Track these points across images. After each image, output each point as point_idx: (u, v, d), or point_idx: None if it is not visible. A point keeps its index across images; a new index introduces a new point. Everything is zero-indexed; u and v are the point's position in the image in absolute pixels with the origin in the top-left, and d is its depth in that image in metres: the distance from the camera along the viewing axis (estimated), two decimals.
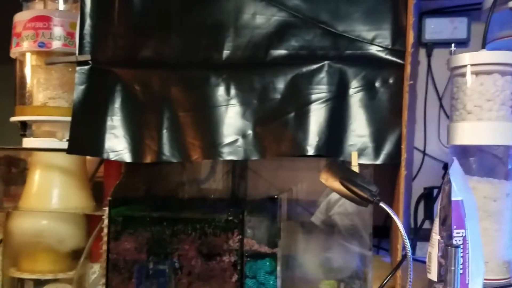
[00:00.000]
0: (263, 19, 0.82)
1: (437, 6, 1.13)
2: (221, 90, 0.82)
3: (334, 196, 0.84)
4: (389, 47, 0.78)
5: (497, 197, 0.73)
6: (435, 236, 0.64)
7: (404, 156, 0.74)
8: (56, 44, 0.91)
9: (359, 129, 0.77)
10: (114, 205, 0.81)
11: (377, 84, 0.78)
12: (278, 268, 0.80)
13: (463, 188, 0.62)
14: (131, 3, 0.86)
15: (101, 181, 0.98)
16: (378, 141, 0.77)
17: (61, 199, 0.92)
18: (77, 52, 0.86)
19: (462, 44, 1.11)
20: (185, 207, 0.93)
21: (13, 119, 0.94)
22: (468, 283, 0.60)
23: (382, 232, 1.01)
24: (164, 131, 0.82)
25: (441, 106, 1.12)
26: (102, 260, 0.82)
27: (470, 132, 0.73)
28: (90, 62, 0.86)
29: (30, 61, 0.94)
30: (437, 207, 0.65)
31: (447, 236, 0.61)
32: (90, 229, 0.93)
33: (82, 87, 0.85)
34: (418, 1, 0.91)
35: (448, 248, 0.58)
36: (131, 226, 0.82)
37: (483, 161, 0.75)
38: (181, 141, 0.82)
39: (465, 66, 0.74)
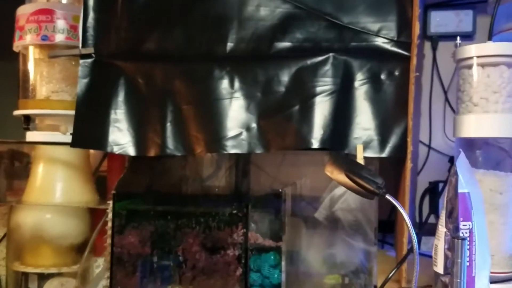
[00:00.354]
0: (267, 11, 0.81)
1: None
2: (224, 83, 0.81)
3: (338, 191, 0.83)
4: (395, 39, 0.77)
5: (503, 190, 0.72)
6: (442, 229, 0.63)
7: (410, 148, 0.73)
8: (59, 37, 0.91)
9: (364, 122, 0.77)
10: (118, 199, 0.81)
11: (382, 76, 0.77)
12: (283, 262, 0.80)
13: (469, 180, 0.62)
14: None
15: (104, 176, 0.98)
16: (383, 134, 0.76)
17: (65, 193, 0.92)
18: (80, 45, 0.85)
19: (468, 37, 1.10)
20: (189, 201, 0.92)
21: (16, 112, 0.94)
22: (474, 276, 0.60)
23: (387, 226, 1.00)
24: (168, 124, 0.82)
25: (447, 99, 1.11)
26: (106, 254, 0.82)
27: (476, 124, 0.72)
28: (93, 55, 0.85)
29: (33, 54, 0.94)
30: (444, 199, 0.65)
31: (453, 229, 0.60)
32: (93, 223, 0.93)
33: (86, 80, 0.85)
34: None
35: (454, 240, 0.57)
36: (135, 220, 0.82)
37: (489, 153, 0.75)
38: (184, 134, 0.82)
39: (471, 58, 0.73)
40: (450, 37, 1.09)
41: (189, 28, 0.84)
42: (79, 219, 0.93)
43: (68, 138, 0.87)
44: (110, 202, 0.81)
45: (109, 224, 0.81)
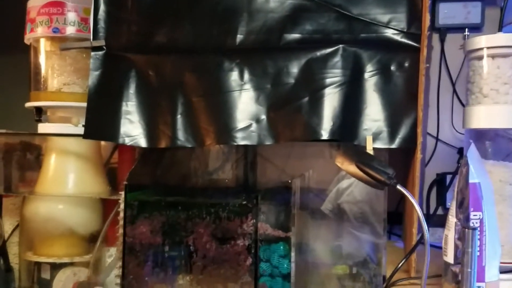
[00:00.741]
0: (276, 2, 0.81)
1: None
2: (234, 75, 0.82)
3: (343, 184, 0.84)
4: (405, 30, 0.77)
5: None
6: (452, 219, 0.64)
7: (420, 139, 0.74)
8: (70, 30, 0.92)
9: (374, 113, 0.77)
10: (129, 189, 0.82)
11: (392, 67, 0.77)
12: (292, 254, 0.81)
13: (480, 171, 0.62)
14: None
15: (115, 168, 0.99)
16: (393, 125, 0.76)
17: (77, 184, 0.93)
18: (91, 37, 0.86)
19: (476, 29, 1.10)
20: (199, 192, 0.93)
21: (28, 104, 0.95)
22: (484, 265, 0.61)
23: (394, 218, 1.01)
24: (178, 116, 0.83)
25: (455, 91, 1.11)
26: (119, 244, 0.83)
27: (486, 115, 0.73)
28: (104, 47, 0.86)
29: (44, 47, 0.95)
30: (454, 189, 0.65)
31: (464, 219, 0.61)
32: (105, 213, 0.94)
33: (97, 72, 0.85)
34: None
35: (465, 230, 0.58)
36: (146, 210, 0.83)
37: (499, 145, 0.75)
38: (195, 126, 0.82)
39: (481, 49, 0.73)
40: (458, 29, 1.09)
41: (198, 20, 0.84)
42: (91, 209, 0.94)
43: (79, 130, 0.87)
44: (122, 193, 0.82)
45: (121, 214, 0.82)
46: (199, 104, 0.82)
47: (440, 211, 1.05)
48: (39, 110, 0.94)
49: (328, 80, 0.78)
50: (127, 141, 0.83)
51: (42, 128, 0.94)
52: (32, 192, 0.94)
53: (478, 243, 0.59)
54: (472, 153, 0.63)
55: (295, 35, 0.81)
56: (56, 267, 0.92)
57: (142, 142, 0.83)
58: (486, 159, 0.73)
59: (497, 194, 0.70)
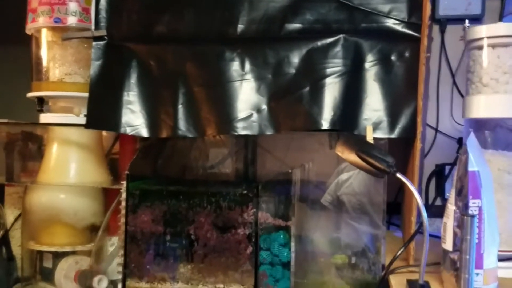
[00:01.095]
0: None
1: None
2: (235, 65, 0.82)
3: (343, 177, 0.84)
4: (405, 20, 0.77)
5: None
6: (451, 207, 0.64)
7: (420, 129, 0.74)
8: (72, 20, 0.92)
9: (374, 103, 0.78)
10: (131, 179, 0.83)
11: (393, 57, 0.78)
12: (292, 243, 0.81)
13: (479, 159, 0.62)
14: None
15: (116, 158, 0.99)
16: (393, 115, 0.77)
17: (79, 173, 0.93)
18: (93, 27, 0.86)
19: (476, 20, 1.10)
20: (200, 182, 0.94)
21: (29, 94, 0.95)
22: (483, 253, 0.61)
23: (393, 208, 1.01)
24: (180, 106, 0.83)
25: (454, 82, 1.12)
26: (120, 233, 0.83)
27: (485, 105, 0.73)
28: (105, 37, 0.86)
29: (45, 37, 0.95)
30: (453, 178, 0.66)
31: (463, 206, 0.61)
32: (107, 203, 0.94)
33: (99, 62, 0.86)
34: None
35: (464, 217, 0.58)
36: (148, 199, 0.84)
37: (498, 134, 0.75)
38: (196, 116, 0.83)
39: (481, 38, 0.74)
40: (459, 20, 1.09)
41: (199, 10, 0.84)
42: (93, 199, 0.94)
43: (81, 120, 0.88)
44: (124, 183, 0.83)
45: (123, 203, 0.83)
46: (200, 94, 0.83)
47: (438, 202, 1.05)
48: (41, 100, 0.94)
49: (328, 70, 0.79)
50: (129, 131, 0.84)
51: (44, 118, 0.95)
52: (34, 182, 0.94)
53: (476, 230, 0.60)
54: (472, 141, 0.63)
55: (296, 25, 0.81)
56: (58, 256, 0.93)
57: (144, 132, 0.84)
58: (485, 148, 0.74)
59: (496, 183, 0.70)
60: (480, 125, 0.76)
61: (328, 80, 0.78)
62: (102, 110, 0.85)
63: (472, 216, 0.58)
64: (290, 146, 0.92)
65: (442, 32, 1.12)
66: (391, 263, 0.73)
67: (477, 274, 0.61)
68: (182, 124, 0.83)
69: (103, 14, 0.86)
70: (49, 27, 0.93)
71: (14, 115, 1.01)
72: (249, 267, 0.80)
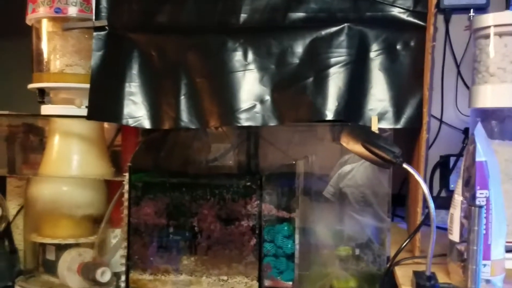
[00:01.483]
0: None
1: None
2: (238, 55, 0.81)
3: (345, 169, 0.84)
4: (411, 8, 0.76)
5: None
6: (458, 197, 0.64)
7: (425, 119, 0.73)
8: (72, 10, 0.91)
9: (379, 93, 0.77)
10: (134, 171, 0.82)
11: (398, 46, 0.77)
12: (296, 236, 0.81)
13: (487, 149, 0.62)
14: None
15: (118, 151, 0.99)
16: (398, 105, 0.76)
17: (81, 165, 0.93)
18: (93, 17, 0.85)
19: (481, 9, 1.09)
20: (203, 174, 0.93)
21: (30, 86, 0.94)
22: (490, 244, 0.61)
23: (397, 200, 1.01)
24: (182, 97, 0.82)
25: (459, 73, 1.11)
26: (123, 225, 0.83)
27: (492, 95, 0.72)
28: (106, 27, 0.85)
29: (46, 27, 0.94)
30: (460, 169, 0.65)
31: (470, 197, 0.61)
32: (109, 195, 0.94)
33: (100, 53, 0.85)
34: None
35: (471, 208, 0.57)
36: (151, 191, 0.83)
37: (505, 124, 0.74)
38: (198, 107, 0.82)
39: (488, 27, 0.72)
40: (464, 9, 1.08)
41: None
42: (95, 191, 0.94)
43: (83, 112, 0.87)
44: (126, 174, 0.82)
45: (126, 195, 0.82)
46: (202, 85, 0.82)
47: (443, 194, 1.04)
48: (42, 92, 0.94)
49: (333, 60, 0.78)
50: (131, 122, 0.83)
51: (45, 110, 0.94)
52: (36, 174, 0.94)
53: (484, 221, 0.59)
54: (479, 131, 0.62)
55: (300, 14, 0.80)
56: (61, 248, 0.92)
57: (146, 123, 0.83)
58: (492, 138, 0.73)
59: (503, 174, 0.70)
60: (486, 115, 0.75)
61: (332, 70, 0.77)
62: (103, 102, 0.84)
63: (480, 207, 0.57)
64: (293, 138, 0.91)
65: (447, 22, 1.11)
66: (396, 254, 0.72)
67: (485, 265, 0.60)
68: (184, 116, 0.82)
69: (104, 4, 0.85)
70: (49, 18, 0.92)
71: (15, 107, 1.00)
72: (253, 259, 0.80)
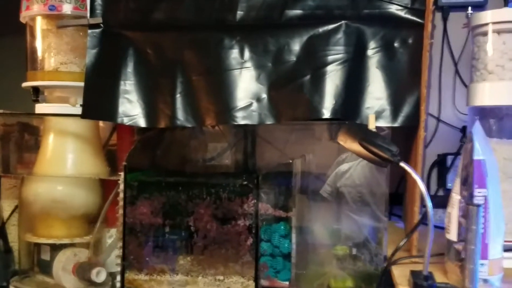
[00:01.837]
0: None
1: None
2: (235, 53, 0.80)
3: (342, 168, 0.83)
4: (409, 6, 0.76)
5: None
6: (456, 196, 0.63)
7: (423, 117, 0.73)
8: (67, 8, 0.90)
9: (376, 91, 0.76)
10: (129, 170, 0.81)
11: (396, 44, 0.76)
12: (293, 235, 0.81)
13: (485, 148, 0.61)
14: None
15: (113, 150, 0.98)
16: (396, 103, 0.75)
17: (76, 164, 0.92)
18: (88, 15, 0.84)
19: (479, 7, 1.08)
20: (199, 173, 0.93)
21: (25, 84, 0.93)
22: (488, 243, 0.60)
23: (394, 199, 1.00)
24: (178, 95, 0.82)
25: (457, 71, 1.10)
26: (119, 224, 0.82)
27: (491, 92, 0.72)
28: (101, 25, 0.84)
29: (40, 25, 0.93)
30: (458, 167, 0.64)
31: (468, 196, 0.60)
32: (105, 194, 0.93)
33: (94, 50, 0.84)
34: None
35: (469, 207, 0.57)
36: (146, 191, 0.82)
37: (503, 122, 0.74)
38: (194, 105, 0.81)
39: (486, 24, 0.72)
40: (462, 7, 1.07)
41: None
42: (91, 190, 0.93)
43: (77, 110, 0.86)
44: (122, 174, 0.82)
45: (121, 195, 0.82)
46: (198, 83, 0.81)
47: (441, 192, 1.04)
48: (36, 90, 0.93)
49: (330, 58, 0.77)
50: (126, 121, 0.82)
51: (40, 108, 0.93)
52: (31, 173, 0.93)
53: (482, 220, 0.59)
54: (477, 130, 0.62)
55: (297, 11, 0.79)
56: (56, 248, 0.92)
57: (141, 122, 0.82)
58: (490, 137, 0.73)
59: (501, 172, 0.69)
60: (485, 113, 0.74)
61: (329, 68, 0.77)
62: (98, 100, 0.83)
63: (478, 206, 0.57)
64: (290, 137, 0.91)
65: (445, 19, 1.11)
66: (393, 253, 0.72)
67: (482, 264, 0.60)
68: (180, 114, 0.81)
69: (98, 1, 0.84)
70: (43, 15, 0.92)
71: (10, 105, 1.00)
72: (250, 258, 0.80)
